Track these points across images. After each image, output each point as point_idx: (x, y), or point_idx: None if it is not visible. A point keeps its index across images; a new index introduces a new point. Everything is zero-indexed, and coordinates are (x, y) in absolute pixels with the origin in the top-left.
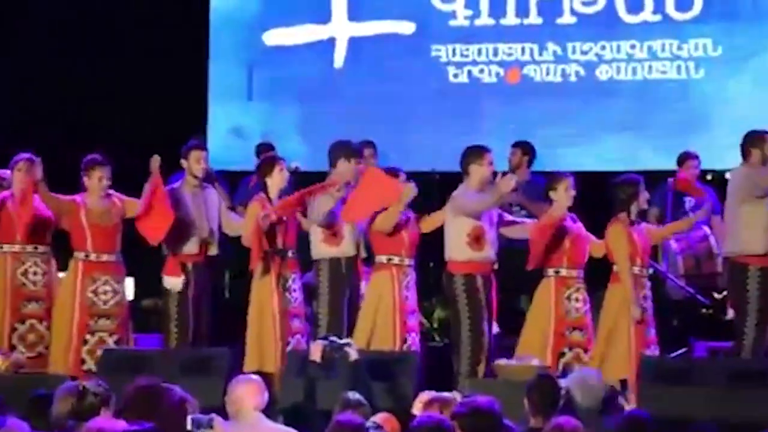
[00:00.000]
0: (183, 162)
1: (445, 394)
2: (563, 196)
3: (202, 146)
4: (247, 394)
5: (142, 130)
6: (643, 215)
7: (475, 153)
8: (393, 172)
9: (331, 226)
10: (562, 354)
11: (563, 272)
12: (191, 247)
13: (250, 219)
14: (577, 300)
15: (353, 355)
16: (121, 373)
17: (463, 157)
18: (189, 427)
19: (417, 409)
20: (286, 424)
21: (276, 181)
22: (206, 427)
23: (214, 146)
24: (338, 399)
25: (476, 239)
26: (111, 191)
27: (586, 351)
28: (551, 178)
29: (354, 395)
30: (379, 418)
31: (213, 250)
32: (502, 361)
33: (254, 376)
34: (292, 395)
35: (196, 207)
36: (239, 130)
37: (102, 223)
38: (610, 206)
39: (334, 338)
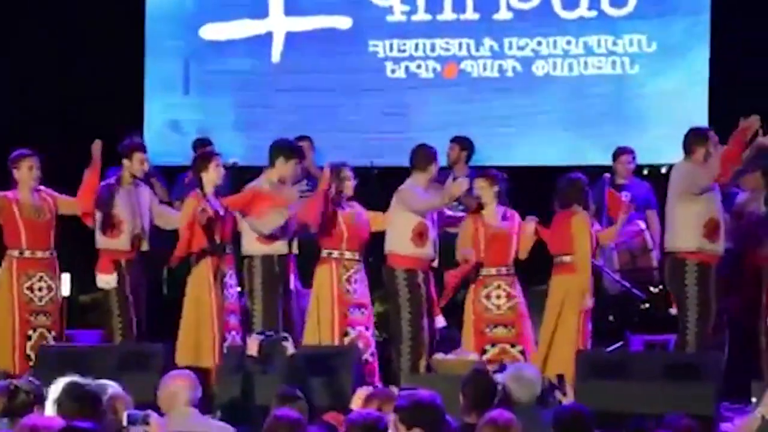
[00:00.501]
0: (125, 161)
1: (385, 389)
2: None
3: (145, 147)
4: (180, 389)
5: (79, 124)
6: None
7: (427, 154)
8: (338, 166)
9: (274, 239)
10: (485, 351)
11: (483, 271)
12: (123, 244)
13: (185, 213)
14: (498, 297)
15: (290, 349)
16: (59, 370)
17: (415, 155)
18: (125, 423)
19: (356, 404)
20: (224, 419)
21: (211, 177)
22: (141, 423)
23: (151, 141)
24: (274, 396)
25: (419, 235)
26: (42, 188)
27: (513, 345)
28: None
29: (290, 389)
30: (329, 417)
31: (144, 246)
32: (439, 356)
33: (186, 371)
34: (229, 391)
35: (129, 204)
36: (176, 125)
37: (35, 219)
38: (557, 200)
39: (270, 333)
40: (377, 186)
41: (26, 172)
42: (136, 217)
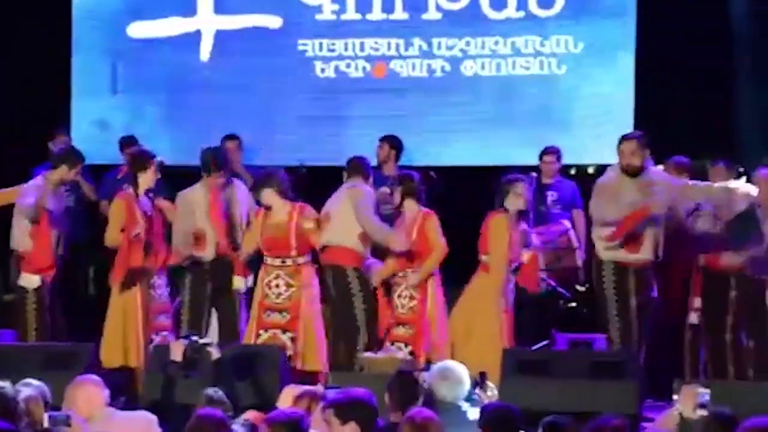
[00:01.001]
0: (63, 167)
1: (312, 387)
2: None
3: (83, 159)
4: (93, 394)
5: (5, 123)
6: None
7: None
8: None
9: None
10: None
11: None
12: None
13: (115, 220)
14: (403, 297)
15: (215, 354)
16: None
17: (361, 166)
18: (45, 424)
19: (283, 403)
20: None
21: (148, 179)
22: (63, 425)
23: (78, 140)
24: (200, 395)
25: (365, 238)
26: None
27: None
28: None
29: (215, 392)
30: (250, 416)
31: (59, 251)
32: (367, 355)
33: (89, 375)
34: (155, 391)
35: (58, 209)
36: (103, 123)
37: None
38: (487, 200)
39: (195, 338)
40: (307, 185)
41: None
42: (62, 217)
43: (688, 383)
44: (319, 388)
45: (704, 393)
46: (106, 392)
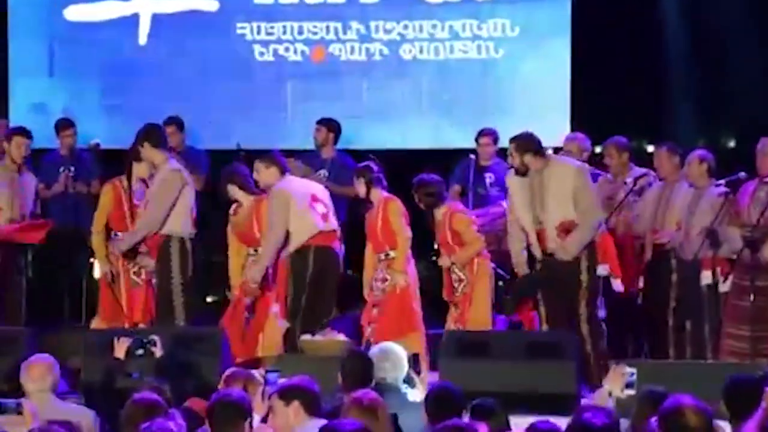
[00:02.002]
0: (5, 145)
1: (250, 370)
2: None
3: (26, 132)
4: (47, 375)
5: None
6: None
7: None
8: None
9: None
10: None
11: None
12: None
13: (102, 209)
14: (378, 279)
15: (158, 352)
16: None
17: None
18: None
19: (222, 385)
20: (87, 402)
21: (142, 169)
22: (14, 412)
23: (16, 122)
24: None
25: None
26: None
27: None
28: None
29: (156, 382)
30: (190, 403)
31: None
32: (307, 337)
33: (46, 356)
34: (92, 375)
35: (10, 191)
36: (41, 107)
37: None
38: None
39: (140, 336)
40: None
41: None
42: (15, 204)
43: (618, 364)
44: (258, 371)
45: (631, 372)
46: (57, 377)
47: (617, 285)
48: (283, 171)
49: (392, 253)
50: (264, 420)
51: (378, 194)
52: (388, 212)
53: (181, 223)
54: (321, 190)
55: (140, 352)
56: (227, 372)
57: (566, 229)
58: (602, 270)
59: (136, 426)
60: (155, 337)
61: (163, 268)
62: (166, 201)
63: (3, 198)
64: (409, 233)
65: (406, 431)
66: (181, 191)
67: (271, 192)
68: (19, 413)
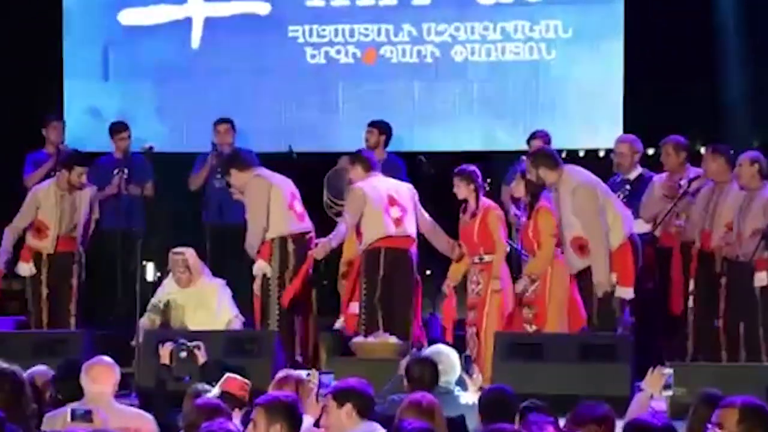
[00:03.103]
0: (64, 170)
1: (301, 372)
2: None
3: (85, 161)
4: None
5: None
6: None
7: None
8: None
9: None
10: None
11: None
12: (47, 247)
13: None
14: (473, 282)
15: (201, 358)
16: None
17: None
18: (67, 418)
19: (272, 387)
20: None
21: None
22: (83, 419)
23: (71, 127)
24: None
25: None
26: None
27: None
28: None
29: (203, 386)
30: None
31: (73, 246)
32: (358, 340)
33: (104, 357)
34: (147, 375)
35: (60, 209)
36: (95, 110)
37: None
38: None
39: (183, 341)
40: (297, 171)
41: None
42: (64, 220)
43: (683, 366)
44: (311, 372)
45: (669, 374)
46: (117, 377)
47: (625, 292)
48: (369, 168)
49: (486, 258)
50: (317, 422)
51: (480, 200)
52: (488, 219)
53: (277, 224)
54: (400, 192)
55: (183, 355)
56: (279, 374)
57: (579, 245)
58: (612, 278)
59: (197, 429)
60: (199, 342)
61: (280, 272)
62: (257, 208)
63: (51, 216)
64: (505, 241)
65: None
66: (269, 194)
67: (350, 189)
68: (89, 421)
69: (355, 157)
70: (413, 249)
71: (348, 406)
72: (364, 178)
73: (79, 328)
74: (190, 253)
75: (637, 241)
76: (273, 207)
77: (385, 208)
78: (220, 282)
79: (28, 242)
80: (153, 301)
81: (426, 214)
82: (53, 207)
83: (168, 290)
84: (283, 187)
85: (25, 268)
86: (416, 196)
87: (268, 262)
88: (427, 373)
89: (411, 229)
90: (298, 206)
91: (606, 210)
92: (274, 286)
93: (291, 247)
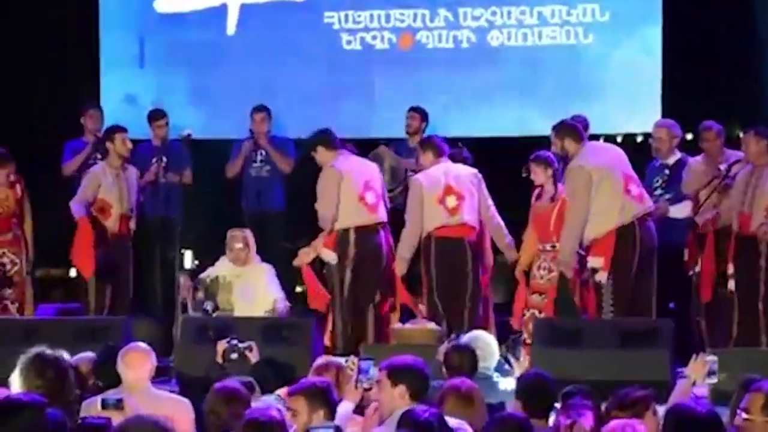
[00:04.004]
0: (108, 144)
1: (339, 359)
2: None
3: (125, 129)
4: (148, 368)
5: (35, 99)
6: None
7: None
8: None
9: None
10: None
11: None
12: (111, 226)
13: None
14: (542, 269)
15: (253, 358)
16: (12, 343)
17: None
18: (99, 407)
19: (312, 374)
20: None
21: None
22: (115, 408)
23: (108, 115)
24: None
25: None
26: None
27: (541, 312)
28: None
29: (249, 378)
30: (282, 392)
31: (132, 226)
32: (397, 326)
33: (140, 343)
34: (186, 362)
35: (119, 188)
36: (132, 99)
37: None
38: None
39: (236, 342)
40: None
41: (3, 177)
42: (123, 199)
43: (723, 352)
44: (350, 359)
45: (713, 361)
46: (154, 363)
47: (602, 276)
48: (440, 154)
49: (559, 245)
50: (356, 409)
51: (558, 188)
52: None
53: (343, 216)
54: (461, 180)
55: (235, 357)
56: (318, 361)
57: None
58: (594, 262)
59: (218, 415)
60: (252, 343)
61: (339, 262)
62: (326, 197)
63: (112, 196)
64: None
65: None
66: (339, 186)
67: (410, 181)
68: (120, 408)
69: (427, 143)
70: (472, 237)
71: (402, 388)
72: (434, 164)
73: (132, 314)
74: (248, 232)
75: (649, 227)
76: (342, 198)
77: (440, 198)
78: (268, 265)
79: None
80: (202, 275)
81: (490, 203)
82: (112, 185)
83: (220, 267)
84: (357, 177)
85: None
86: (482, 182)
87: (332, 251)
88: (466, 361)
89: (469, 216)
90: (371, 197)
91: (603, 192)
92: (335, 276)
93: (352, 238)
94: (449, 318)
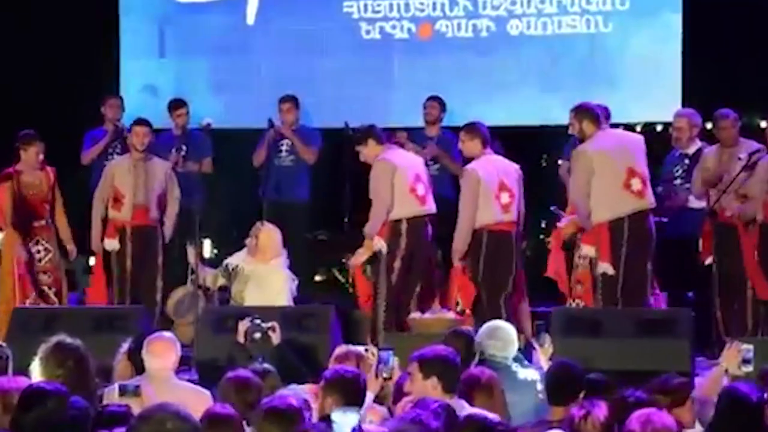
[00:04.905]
0: (128, 135)
1: (359, 347)
2: None
3: (145, 122)
4: (173, 358)
5: (55, 87)
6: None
7: None
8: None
9: None
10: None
11: None
12: (124, 216)
13: None
14: (581, 257)
15: (275, 339)
16: (33, 332)
17: None
18: (116, 394)
19: (333, 362)
20: (200, 378)
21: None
22: (132, 395)
23: (128, 104)
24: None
25: None
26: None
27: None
28: None
29: (262, 365)
30: (307, 387)
31: (152, 215)
32: (416, 315)
33: (165, 333)
34: (206, 350)
35: (135, 178)
36: (152, 88)
37: (33, 194)
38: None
39: (258, 321)
40: (352, 147)
41: (33, 156)
42: (139, 190)
43: (741, 341)
44: (369, 348)
45: (748, 349)
46: (178, 353)
47: (606, 267)
48: (486, 143)
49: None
50: (377, 398)
51: None
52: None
53: (396, 207)
54: (509, 175)
55: (258, 336)
56: (338, 350)
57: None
58: (587, 251)
59: (231, 405)
60: (274, 323)
61: (389, 251)
62: (383, 189)
63: (126, 186)
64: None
65: (516, 409)
66: (393, 177)
67: (464, 170)
68: (138, 395)
69: (473, 130)
70: (517, 232)
71: (434, 380)
72: (483, 154)
73: (162, 304)
74: (267, 228)
75: (646, 223)
76: (395, 189)
77: (496, 194)
78: (290, 274)
79: (110, 216)
80: (225, 262)
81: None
82: (126, 174)
83: (242, 257)
84: (408, 169)
85: (110, 244)
86: (521, 178)
87: (385, 240)
88: (462, 346)
89: (515, 212)
90: (421, 189)
91: (601, 180)
92: (383, 265)
93: (404, 228)
94: (488, 310)
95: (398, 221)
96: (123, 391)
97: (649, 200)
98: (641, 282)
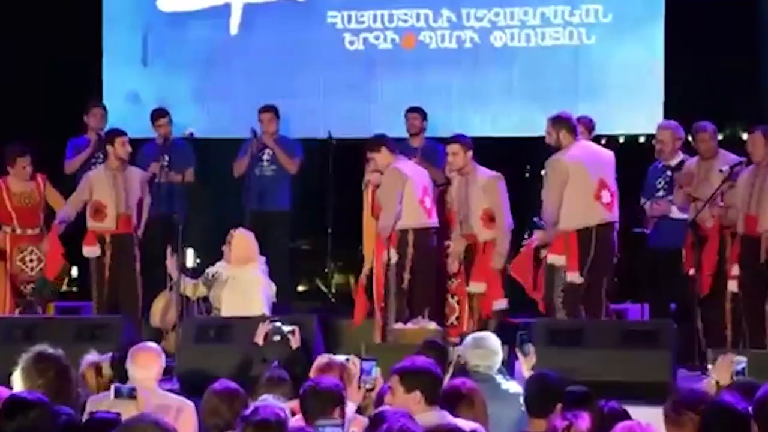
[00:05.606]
0: (108, 147)
1: (342, 358)
2: None
3: (124, 132)
4: (158, 367)
5: (39, 96)
6: None
7: None
8: None
9: None
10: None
11: None
12: (108, 226)
13: None
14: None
15: (294, 343)
16: (14, 342)
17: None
18: (111, 396)
19: (314, 373)
20: (182, 389)
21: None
22: (127, 397)
23: (111, 112)
24: (261, 377)
25: None
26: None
27: None
28: None
29: (279, 372)
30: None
31: (135, 223)
32: (398, 326)
33: (151, 343)
34: (188, 361)
35: (114, 187)
36: (135, 96)
37: (25, 204)
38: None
39: (279, 324)
40: (335, 157)
41: (20, 170)
42: (121, 200)
43: (724, 352)
44: (351, 358)
45: (740, 361)
46: (162, 363)
47: (574, 277)
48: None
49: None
50: (359, 409)
51: None
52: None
53: (405, 217)
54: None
55: (277, 338)
56: (320, 360)
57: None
58: (554, 259)
59: (219, 415)
60: (295, 327)
61: (398, 261)
62: (393, 197)
63: (108, 197)
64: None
65: (499, 421)
66: (404, 187)
67: (492, 179)
68: (133, 398)
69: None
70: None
71: (417, 394)
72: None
73: (144, 311)
74: (240, 233)
75: (609, 236)
76: (405, 199)
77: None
78: (267, 279)
79: (90, 226)
80: (206, 271)
81: None
82: (108, 187)
83: (222, 264)
84: (417, 180)
85: (90, 251)
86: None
87: (395, 249)
88: (436, 359)
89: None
90: (428, 201)
91: (573, 189)
92: (392, 274)
93: (411, 238)
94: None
95: (405, 231)
96: (118, 393)
97: (616, 214)
98: (602, 292)
